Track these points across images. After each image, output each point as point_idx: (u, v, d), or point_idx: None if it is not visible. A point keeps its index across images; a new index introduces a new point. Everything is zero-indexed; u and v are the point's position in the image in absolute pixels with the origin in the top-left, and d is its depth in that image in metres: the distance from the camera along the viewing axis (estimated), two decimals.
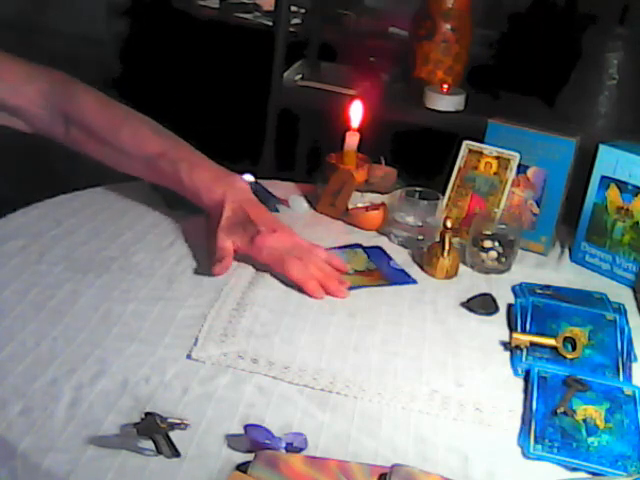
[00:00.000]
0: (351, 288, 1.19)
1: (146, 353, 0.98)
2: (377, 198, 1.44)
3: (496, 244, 1.28)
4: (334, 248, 1.29)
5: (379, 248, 1.32)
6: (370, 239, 1.36)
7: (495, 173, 1.37)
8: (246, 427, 0.84)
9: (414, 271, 1.27)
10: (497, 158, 1.38)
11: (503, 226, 1.31)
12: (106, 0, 2.86)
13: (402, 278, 1.25)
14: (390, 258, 1.29)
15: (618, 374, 1.05)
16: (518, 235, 1.31)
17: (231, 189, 1.24)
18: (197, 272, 1.18)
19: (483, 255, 1.29)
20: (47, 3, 2.67)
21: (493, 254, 1.29)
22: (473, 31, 2.16)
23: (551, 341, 1.08)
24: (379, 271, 1.25)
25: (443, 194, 1.39)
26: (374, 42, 2.52)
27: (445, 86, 2.09)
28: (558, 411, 0.94)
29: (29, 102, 1.28)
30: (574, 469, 0.88)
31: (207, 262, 1.19)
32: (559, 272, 1.34)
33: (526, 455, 0.89)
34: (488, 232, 1.29)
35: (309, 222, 1.40)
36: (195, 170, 1.25)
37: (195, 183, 1.24)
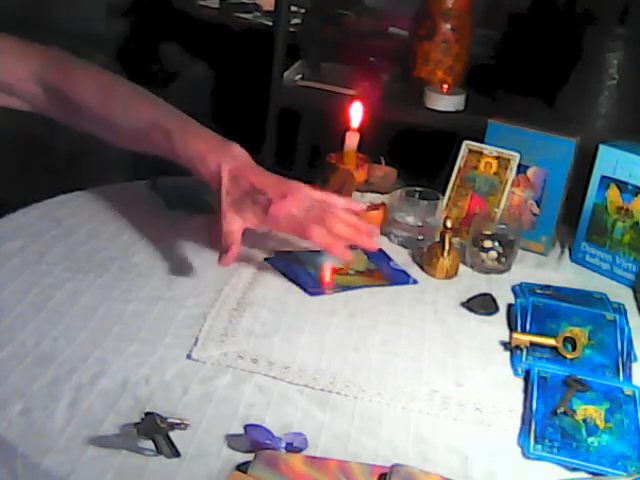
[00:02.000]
0: (352, 288, 1.19)
1: (146, 353, 0.98)
2: (377, 198, 1.44)
3: (496, 244, 1.28)
4: None
5: (379, 249, 1.32)
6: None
7: (495, 173, 1.37)
8: (246, 427, 0.84)
9: (414, 271, 1.27)
10: (497, 158, 1.38)
11: (503, 226, 1.31)
12: (106, 0, 2.86)
13: (403, 278, 1.25)
14: (390, 259, 1.29)
15: (618, 374, 1.05)
16: (518, 235, 1.31)
17: (227, 158, 1.15)
18: (197, 272, 1.18)
19: (483, 255, 1.29)
20: (47, 2, 2.67)
21: (493, 254, 1.29)
22: (473, 31, 2.16)
23: (551, 341, 1.08)
24: (379, 271, 1.25)
25: (443, 194, 1.39)
26: (374, 42, 2.52)
27: (445, 86, 2.09)
28: (558, 411, 0.94)
29: (22, 80, 1.24)
30: (574, 469, 0.88)
31: (209, 260, 1.19)
32: (559, 272, 1.34)
33: (526, 455, 0.89)
34: (488, 232, 1.29)
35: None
36: (189, 139, 1.17)
37: (189, 153, 1.16)
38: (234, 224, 1.13)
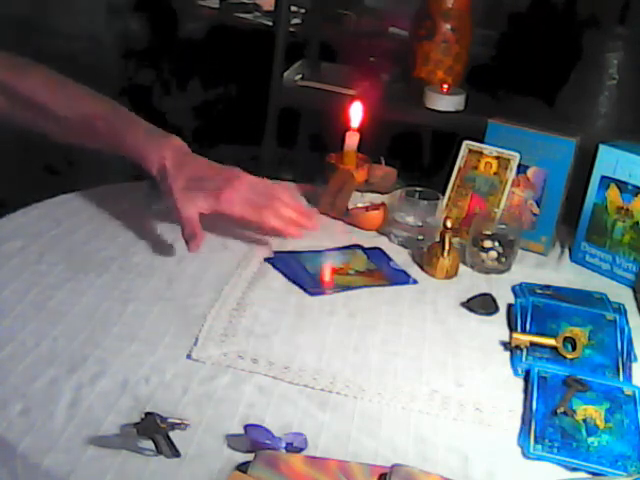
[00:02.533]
0: (353, 288, 1.19)
1: (146, 353, 0.98)
2: (377, 198, 1.44)
3: (496, 244, 1.28)
4: (333, 249, 1.29)
5: (379, 249, 1.32)
6: (370, 239, 1.36)
7: (495, 173, 1.37)
8: (246, 427, 0.84)
9: (414, 271, 1.27)
10: (497, 158, 1.38)
11: (503, 226, 1.31)
12: (106, 0, 2.85)
13: (403, 278, 1.25)
14: (390, 259, 1.29)
15: (618, 374, 1.05)
16: (518, 235, 1.31)
17: (168, 148, 1.21)
18: (197, 272, 1.18)
19: (483, 255, 1.29)
20: (47, 2, 2.67)
21: (493, 254, 1.29)
22: (473, 31, 2.16)
23: (551, 341, 1.08)
24: (379, 271, 1.25)
25: (443, 194, 1.39)
26: (374, 42, 2.52)
27: (445, 86, 2.09)
28: (558, 411, 0.94)
29: None
30: (574, 469, 0.88)
31: (209, 260, 1.19)
32: (559, 272, 1.34)
33: (526, 455, 0.89)
34: (488, 232, 1.29)
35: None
36: (132, 132, 1.22)
37: (132, 145, 1.22)
38: (190, 209, 1.17)
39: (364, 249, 1.31)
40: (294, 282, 1.19)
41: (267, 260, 1.24)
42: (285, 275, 1.20)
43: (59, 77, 1.29)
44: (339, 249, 1.30)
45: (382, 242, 1.35)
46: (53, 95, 1.26)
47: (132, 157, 1.23)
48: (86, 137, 1.27)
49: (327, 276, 1.23)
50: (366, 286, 1.21)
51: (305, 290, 1.17)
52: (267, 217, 1.19)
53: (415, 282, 1.24)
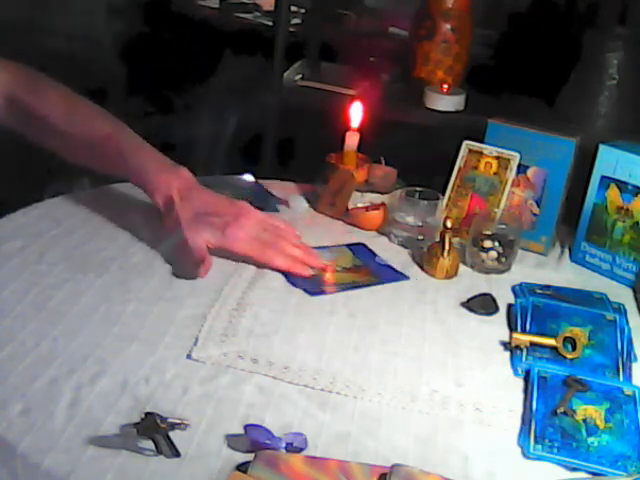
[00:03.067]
0: (343, 287, 1.19)
1: (146, 353, 0.98)
2: (377, 198, 1.44)
3: (496, 244, 1.28)
4: (319, 247, 1.29)
5: (362, 245, 1.33)
6: (370, 239, 1.36)
7: (495, 173, 1.37)
8: (246, 427, 0.84)
9: (414, 271, 1.27)
10: (497, 158, 1.38)
11: (503, 226, 1.31)
12: (106, 0, 2.85)
13: (391, 275, 1.25)
14: (375, 254, 1.30)
15: (618, 374, 1.05)
16: (518, 235, 1.31)
17: (176, 179, 1.21)
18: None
19: (483, 255, 1.29)
20: (47, 3, 2.67)
21: (493, 254, 1.29)
22: (473, 31, 2.16)
23: (551, 341, 1.08)
24: (367, 267, 1.26)
25: (443, 194, 1.39)
26: (374, 42, 2.52)
27: (445, 86, 2.09)
28: (558, 411, 0.94)
29: None
30: (574, 469, 0.88)
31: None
32: (559, 272, 1.34)
33: (526, 455, 0.89)
34: (488, 232, 1.29)
35: (309, 222, 1.40)
36: (140, 158, 1.22)
37: (139, 171, 1.22)
38: (198, 239, 1.17)
39: (348, 246, 1.32)
40: (293, 285, 1.18)
41: None
42: (285, 275, 1.20)
43: (74, 97, 1.29)
44: (324, 247, 1.30)
45: (382, 242, 1.36)
46: (67, 116, 1.26)
47: (139, 184, 1.24)
48: (95, 160, 1.28)
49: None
50: (358, 285, 1.20)
51: (305, 290, 1.17)
52: (272, 256, 1.18)
53: (407, 278, 1.24)
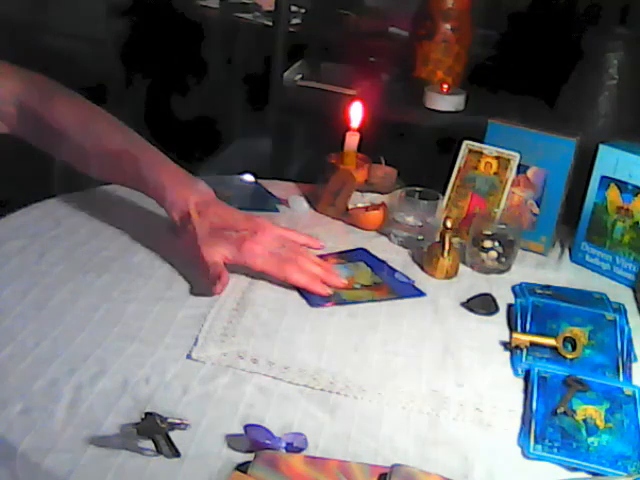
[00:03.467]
0: (363, 302, 1.16)
1: (146, 353, 0.98)
2: (377, 198, 1.44)
3: (496, 244, 1.28)
4: (333, 253, 1.28)
5: (382, 261, 1.28)
6: (370, 239, 1.36)
7: (495, 173, 1.37)
8: (246, 427, 0.84)
9: (414, 271, 1.27)
10: (497, 158, 1.38)
11: (503, 226, 1.31)
12: (106, 0, 2.86)
13: (411, 291, 1.21)
14: (395, 270, 1.26)
15: (618, 374, 1.05)
16: (518, 235, 1.31)
17: (193, 192, 1.19)
18: (197, 272, 1.18)
19: (483, 255, 1.29)
20: (47, 3, 2.67)
21: (493, 254, 1.29)
22: (473, 31, 2.16)
23: (551, 341, 1.08)
24: (387, 285, 1.21)
25: (443, 194, 1.39)
26: (374, 42, 2.52)
27: (445, 86, 2.09)
28: (558, 411, 0.94)
29: (3, 102, 1.25)
30: (574, 469, 0.88)
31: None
32: (559, 272, 1.34)
33: (526, 455, 0.89)
34: (488, 232, 1.29)
35: (309, 222, 1.40)
36: (156, 171, 1.20)
37: (156, 184, 1.19)
38: (214, 255, 1.14)
39: (367, 262, 1.27)
40: (301, 294, 1.16)
41: None
42: (299, 292, 1.16)
43: (90, 107, 1.27)
44: (341, 256, 1.27)
45: (382, 242, 1.36)
46: (81, 127, 1.24)
47: (155, 197, 1.21)
48: (109, 173, 1.26)
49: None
50: (376, 300, 1.17)
51: (309, 302, 1.14)
52: (290, 272, 1.15)
53: (424, 294, 1.20)
